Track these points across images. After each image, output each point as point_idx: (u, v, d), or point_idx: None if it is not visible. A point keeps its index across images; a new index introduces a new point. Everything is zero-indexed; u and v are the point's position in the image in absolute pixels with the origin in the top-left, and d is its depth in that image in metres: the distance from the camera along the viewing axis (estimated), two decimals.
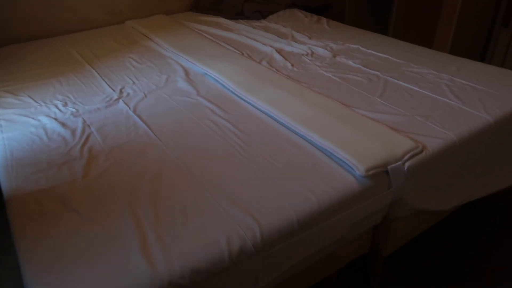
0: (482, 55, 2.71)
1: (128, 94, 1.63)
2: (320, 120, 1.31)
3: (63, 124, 1.43)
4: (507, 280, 1.48)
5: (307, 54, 1.94)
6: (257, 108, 1.46)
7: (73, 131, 1.38)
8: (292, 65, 1.82)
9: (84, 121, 1.44)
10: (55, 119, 1.47)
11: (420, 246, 1.61)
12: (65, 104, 1.57)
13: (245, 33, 2.28)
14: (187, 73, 1.80)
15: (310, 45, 2.04)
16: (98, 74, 1.84)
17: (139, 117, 1.45)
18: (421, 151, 1.18)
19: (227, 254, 0.90)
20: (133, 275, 0.84)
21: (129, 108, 1.52)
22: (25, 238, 0.94)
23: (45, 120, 1.46)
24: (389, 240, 1.29)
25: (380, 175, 1.12)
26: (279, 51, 1.98)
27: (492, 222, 1.74)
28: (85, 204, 1.05)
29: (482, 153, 1.38)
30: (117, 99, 1.59)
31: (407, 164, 1.15)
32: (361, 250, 1.33)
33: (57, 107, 1.55)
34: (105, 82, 1.75)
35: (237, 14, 2.56)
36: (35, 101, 1.61)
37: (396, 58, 1.83)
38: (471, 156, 1.33)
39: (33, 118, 1.48)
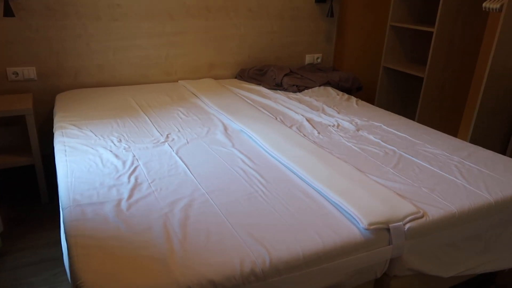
0: (503, 148, 2.85)
1: (173, 139, 1.89)
2: (334, 178, 1.49)
3: (116, 156, 1.68)
4: None
5: (333, 126, 2.17)
6: (281, 163, 1.66)
7: (123, 162, 1.63)
8: (319, 132, 2.05)
9: (134, 156, 1.69)
10: (110, 151, 1.73)
11: None
12: (120, 141, 1.85)
13: (281, 101, 2.56)
14: (225, 128, 2.06)
15: (337, 118, 2.28)
16: (150, 120, 2.13)
17: (180, 158, 1.69)
18: (422, 216, 1.32)
19: (239, 273, 1.06)
20: (160, 277, 1.01)
21: (173, 150, 1.76)
22: (78, 236, 1.14)
23: (101, 150, 1.73)
24: None
25: (382, 231, 1.27)
26: (308, 120, 2.22)
27: None
28: (127, 218, 1.25)
29: (484, 230, 1.49)
30: (163, 142, 1.85)
31: (407, 226, 1.29)
32: None
33: (112, 142, 1.82)
34: (155, 127, 2.03)
35: (277, 85, 2.87)
36: (95, 135, 1.89)
37: (414, 138, 2.02)
38: (471, 231, 1.45)
39: (92, 148, 1.75)
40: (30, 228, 2.12)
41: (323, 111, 2.42)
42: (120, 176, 1.52)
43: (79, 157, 1.66)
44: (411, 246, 1.32)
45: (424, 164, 1.72)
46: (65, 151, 1.71)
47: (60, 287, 1.74)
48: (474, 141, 2.66)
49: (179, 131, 2.00)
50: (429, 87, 2.95)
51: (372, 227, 1.23)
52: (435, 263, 1.41)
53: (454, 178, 1.60)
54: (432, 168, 1.69)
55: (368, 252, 1.24)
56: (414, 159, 1.77)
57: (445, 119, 3.19)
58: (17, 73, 2.45)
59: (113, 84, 2.76)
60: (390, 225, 1.27)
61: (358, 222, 1.26)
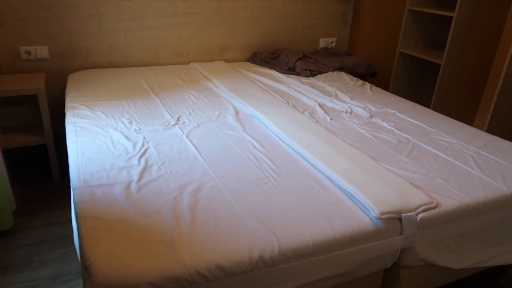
0: None
1: (184, 122, 1.88)
2: (346, 166, 1.47)
3: (126, 137, 1.68)
4: None
5: (346, 112, 2.13)
6: (293, 149, 1.64)
7: (134, 144, 1.62)
8: (331, 119, 2.01)
9: (144, 138, 1.68)
10: (121, 132, 1.72)
11: None
12: (130, 122, 1.84)
13: (293, 86, 2.52)
14: (236, 112, 2.03)
15: (350, 104, 2.24)
16: (161, 102, 2.11)
17: (191, 141, 1.68)
18: (435, 207, 1.30)
19: (247, 259, 1.05)
20: (168, 260, 1.01)
21: (183, 133, 1.75)
22: (87, 218, 1.15)
23: (112, 132, 1.72)
24: (398, 287, 1.37)
25: (394, 221, 1.24)
26: (321, 106, 2.18)
27: None
28: (137, 201, 1.25)
29: (499, 222, 1.46)
30: (174, 125, 1.84)
31: (420, 216, 1.26)
32: None
33: (123, 124, 1.82)
34: (166, 110, 2.02)
35: (289, 70, 2.83)
36: (106, 116, 1.89)
37: (429, 126, 1.97)
38: (485, 222, 1.42)
39: (103, 129, 1.74)
40: (42, 207, 2.15)
41: (336, 97, 2.37)
42: (130, 158, 1.51)
43: (90, 138, 1.65)
44: (423, 237, 1.29)
45: (439, 153, 1.68)
46: (76, 131, 1.71)
47: (71, 265, 1.77)
48: (491, 130, 2.59)
49: (190, 114, 1.98)
50: (446, 74, 2.88)
51: (383, 216, 1.21)
52: (447, 254, 1.38)
53: (470, 169, 1.56)
54: (447, 157, 1.65)
55: (378, 241, 1.22)
56: (428, 148, 1.73)
57: (461, 107, 3.12)
58: (30, 52, 2.44)
59: (125, 65, 2.75)
60: (402, 215, 1.25)
61: (369, 211, 1.24)
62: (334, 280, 1.23)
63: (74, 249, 1.85)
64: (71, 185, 1.37)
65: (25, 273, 1.70)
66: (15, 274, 1.70)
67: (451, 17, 2.80)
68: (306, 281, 1.16)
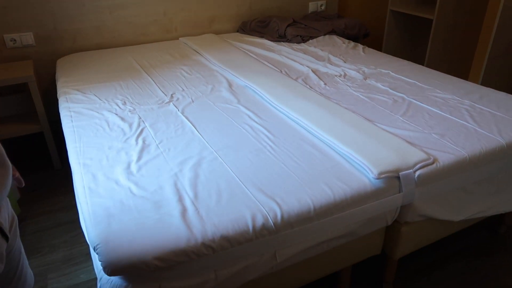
0: None
1: (178, 98, 1.87)
2: (343, 130, 1.48)
3: (122, 119, 1.68)
4: None
5: (340, 75, 2.11)
6: (288, 117, 1.64)
7: (130, 124, 1.62)
8: (325, 84, 2.00)
9: (140, 117, 1.68)
10: (116, 114, 1.72)
11: (434, 256, 1.71)
12: (124, 103, 1.83)
13: (285, 54, 2.49)
14: (230, 84, 2.02)
15: (344, 68, 2.22)
16: (153, 81, 2.10)
17: (186, 117, 1.68)
18: (432, 163, 1.31)
19: (251, 228, 1.07)
20: (174, 235, 1.03)
21: (178, 110, 1.75)
22: (91, 200, 1.16)
23: (107, 114, 1.72)
24: (400, 243, 1.41)
25: (392, 180, 1.26)
26: (314, 71, 2.17)
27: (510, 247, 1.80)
28: (138, 180, 1.26)
29: (495, 173, 1.48)
30: (168, 102, 1.83)
31: (418, 173, 1.28)
32: (374, 250, 1.45)
33: (117, 105, 1.81)
34: (159, 88, 2.00)
35: (280, 37, 2.79)
36: (100, 99, 1.88)
37: (424, 84, 1.96)
38: (482, 174, 1.44)
39: (98, 112, 1.74)
40: (46, 193, 2.17)
41: (329, 61, 2.35)
42: (127, 138, 1.52)
43: (85, 122, 1.65)
44: (422, 193, 1.32)
45: (434, 110, 1.69)
46: (71, 116, 1.71)
47: (80, 247, 1.81)
48: (486, 83, 2.59)
49: (183, 90, 1.97)
50: (439, 29, 2.84)
51: (382, 176, 1.23)
52: (446, 207, 1.41)
53: (465, 123, 1.57)
54: (443, 113, 1.66)
55: (378, 201, 1.25)
56: (424, 105, 1.74)
57: (456, 62, 3.09)
58: (15, 40, 2.40)
59: (113, 45, 2.70)
60: (400, 173, 1.26)
61: (368, 172, 1.26)
62: (338, 241, 1.26)
63: (82, 232, 1.89)
64: (71, 170, 1.38)
65: (37, 259, 1.75)
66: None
67: None
68: (311, 244, 1.19)
